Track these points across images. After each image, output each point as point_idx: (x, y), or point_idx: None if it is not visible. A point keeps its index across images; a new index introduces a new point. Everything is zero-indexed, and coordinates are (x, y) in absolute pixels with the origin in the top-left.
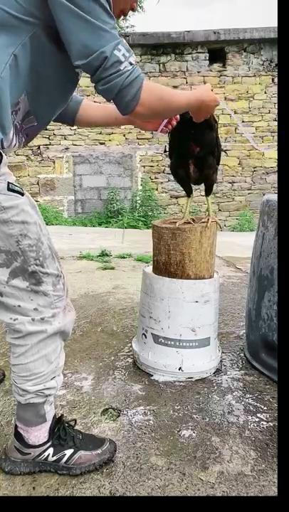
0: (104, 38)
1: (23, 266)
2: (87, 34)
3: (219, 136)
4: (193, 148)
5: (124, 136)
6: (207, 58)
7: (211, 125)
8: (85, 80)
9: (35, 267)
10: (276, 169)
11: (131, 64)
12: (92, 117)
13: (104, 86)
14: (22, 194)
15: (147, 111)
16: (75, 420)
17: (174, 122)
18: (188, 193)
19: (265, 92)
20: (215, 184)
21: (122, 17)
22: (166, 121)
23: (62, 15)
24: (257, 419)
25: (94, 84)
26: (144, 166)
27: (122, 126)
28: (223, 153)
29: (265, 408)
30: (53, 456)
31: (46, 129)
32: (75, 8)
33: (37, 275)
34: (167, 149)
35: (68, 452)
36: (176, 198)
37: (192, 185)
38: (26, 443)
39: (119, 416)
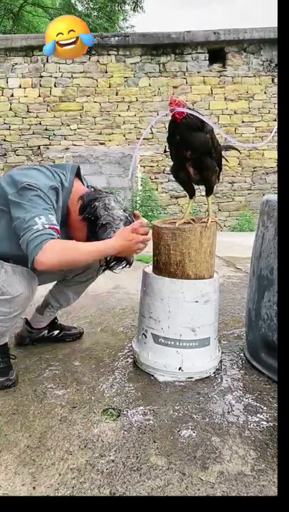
0: (30, 212)
1: None
2: (20, 211)
3: (216, 136)
4: (185, 153)
5: (124, 136)
6: (207, 58)
7: (192, 127)
8: (85, 80)
9: None
10: (276, 169)
11: (44, 228)
12: None
13: (21, 238)
14: None
15: (48, 264)
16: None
17: None
18: (191, 195)
19: (265, 93)
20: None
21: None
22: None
23: (12, 205)
24: (257, 419)
25: None
26: (144, 166)
27: (122, 126)
28: (223, 153)
29: (265, 408)
30: None
31: (46, 130)
32: (19, 200)
33: None
34: (167, 149)
35: None
36: (176, 198)
37: (194, 186)
38: None
39: (119, 416)
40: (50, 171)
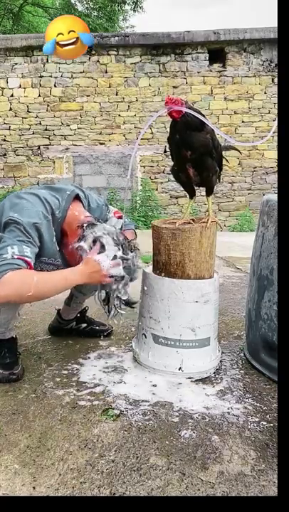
0: (5, 242)
1: None
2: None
3: (217, 137)
4: (184, 153)
5: (124, 136)
6: (207, 58)
7: (191, 126)
8: (85, 80)
9: None
10: (276, 169)
11: (13, 258)
12: None
13: None
14: None
15: (2, 296)
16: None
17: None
18: (192, 195)
19: (265, 93)
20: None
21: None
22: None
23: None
24: (257, 419)
25: None
26: (144, 166)
27: (122, 126)
28: (224, 153)
29: (265, 408)
30: None
31: (46, 130)
32: (1, 233)
33: None
34: (167, 149)
35: None
36: (176, 198)
37: (195, 188)
38: None
39: (119, 416)
40: (43, 202)
